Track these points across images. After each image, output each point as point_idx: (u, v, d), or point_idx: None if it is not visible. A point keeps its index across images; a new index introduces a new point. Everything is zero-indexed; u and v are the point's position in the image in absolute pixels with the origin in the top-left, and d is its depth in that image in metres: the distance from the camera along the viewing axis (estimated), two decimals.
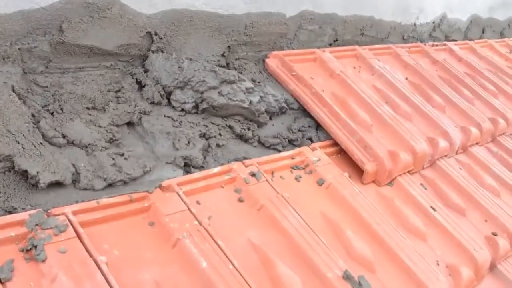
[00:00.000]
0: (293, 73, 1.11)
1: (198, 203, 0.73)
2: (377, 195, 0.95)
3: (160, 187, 0.72)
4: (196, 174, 0.77)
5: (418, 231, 0.91)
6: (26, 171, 0.62)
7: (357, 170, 0.96)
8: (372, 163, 0.96)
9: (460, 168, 1.15)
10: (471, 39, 1.84)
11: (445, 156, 1.15)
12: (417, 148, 1.03)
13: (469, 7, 1.83)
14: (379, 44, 1.45)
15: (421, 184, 1.04)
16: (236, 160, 0.85)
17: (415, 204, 0.97)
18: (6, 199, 0.61)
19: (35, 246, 0.54)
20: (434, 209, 0.97)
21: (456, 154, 1.19)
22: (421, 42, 1.63)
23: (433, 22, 1.69)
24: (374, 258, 0.80)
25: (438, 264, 0.86)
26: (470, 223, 1.02)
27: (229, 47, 1.06)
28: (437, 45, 1.63)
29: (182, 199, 0.71)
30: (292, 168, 0.89)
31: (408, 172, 1.03)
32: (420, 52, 1.54)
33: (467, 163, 1.18)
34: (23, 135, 0.65)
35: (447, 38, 1.77)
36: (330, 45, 1.33)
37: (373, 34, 1.44)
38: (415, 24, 1.61)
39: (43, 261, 0.54)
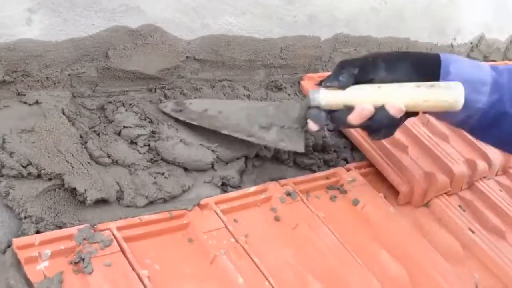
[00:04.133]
0: None
1: (235, 221, 0.75)
2: (413, 217, 0.94)
3: (199, 205, 0.74)
4: (233, 193, 0.79)
5: (456, 254, 0.90)
6: (75, 188, 0.66)
7: (393, 191, 0.96)
8: (407, 184, 0.96)
9: (500, 190, 1.13)
10: (510, 60, 1.82)
11: (484, 177, 1.13)
12: (455, 169, 1.02)
13: (507, 27, 1.80)
14: None
15: (459, 205, 1.02)
16: (272, 180, 0.86)
17: (452, 226, 0.96)
18: (56, 215, 0.64)
19: (83, 259, 0.57)
20: (472, 231, 0.95)
21: (496, 175, 1.17)
22: None
23: (471, 43, 1.67)
24: (411, 280, 0.80)
25: None
26: (510, 246, 1.00)
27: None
28: None
29: (219, 217, 0.73)
30: (327, 188, 0.90)
31: (445, 193, 1.02)
32: None
33: (507, 185, 1.16)
34: (72, 155, 0.70)
35: (485, 59, 1.74)
36: None
37: None
38: (452, 45, 1.60)
39: (90, 273, 0.57)
